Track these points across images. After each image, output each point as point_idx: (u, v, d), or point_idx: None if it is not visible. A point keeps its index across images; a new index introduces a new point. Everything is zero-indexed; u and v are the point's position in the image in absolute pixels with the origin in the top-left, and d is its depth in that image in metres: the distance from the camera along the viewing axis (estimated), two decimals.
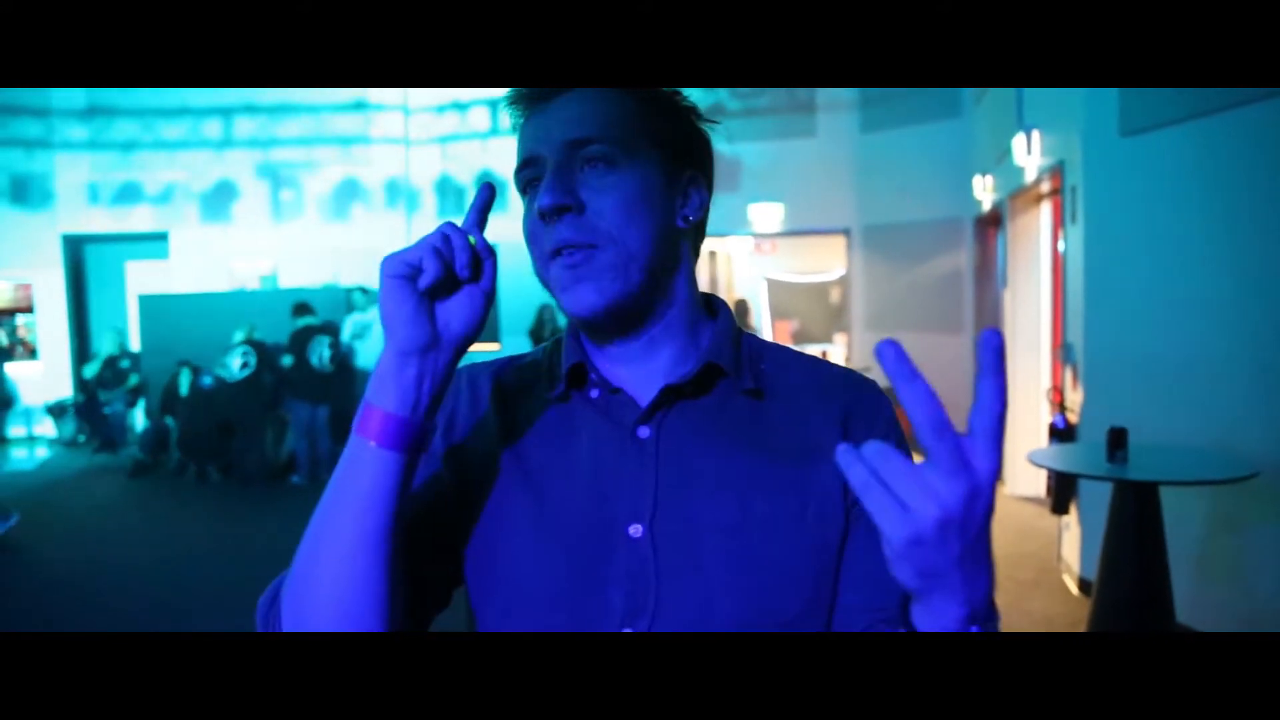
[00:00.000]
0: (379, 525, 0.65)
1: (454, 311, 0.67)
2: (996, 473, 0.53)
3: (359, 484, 0.65)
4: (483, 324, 0.68)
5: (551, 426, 0.77)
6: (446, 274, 0.65)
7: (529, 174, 0.74)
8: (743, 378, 0.77)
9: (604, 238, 0.71)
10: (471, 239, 0.67)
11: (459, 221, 0.68)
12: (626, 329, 0.76)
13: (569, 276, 0.72)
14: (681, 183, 0.77)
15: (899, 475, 0.52)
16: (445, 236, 0.65)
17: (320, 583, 0.65)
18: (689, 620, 0.70)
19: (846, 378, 0.80)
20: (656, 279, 0.74)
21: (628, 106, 0.73)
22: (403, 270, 0.64)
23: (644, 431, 0.74)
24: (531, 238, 0.74)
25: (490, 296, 0.68)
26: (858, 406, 0.77)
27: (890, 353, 0.51)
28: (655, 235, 0.73)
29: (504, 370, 0.83)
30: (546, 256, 0.73)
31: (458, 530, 0.76)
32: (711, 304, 0.82)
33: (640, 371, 0.77)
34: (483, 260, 0.67)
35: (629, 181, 0.72)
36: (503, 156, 9.73)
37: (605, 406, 0.76)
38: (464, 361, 0.73)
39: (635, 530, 0.72)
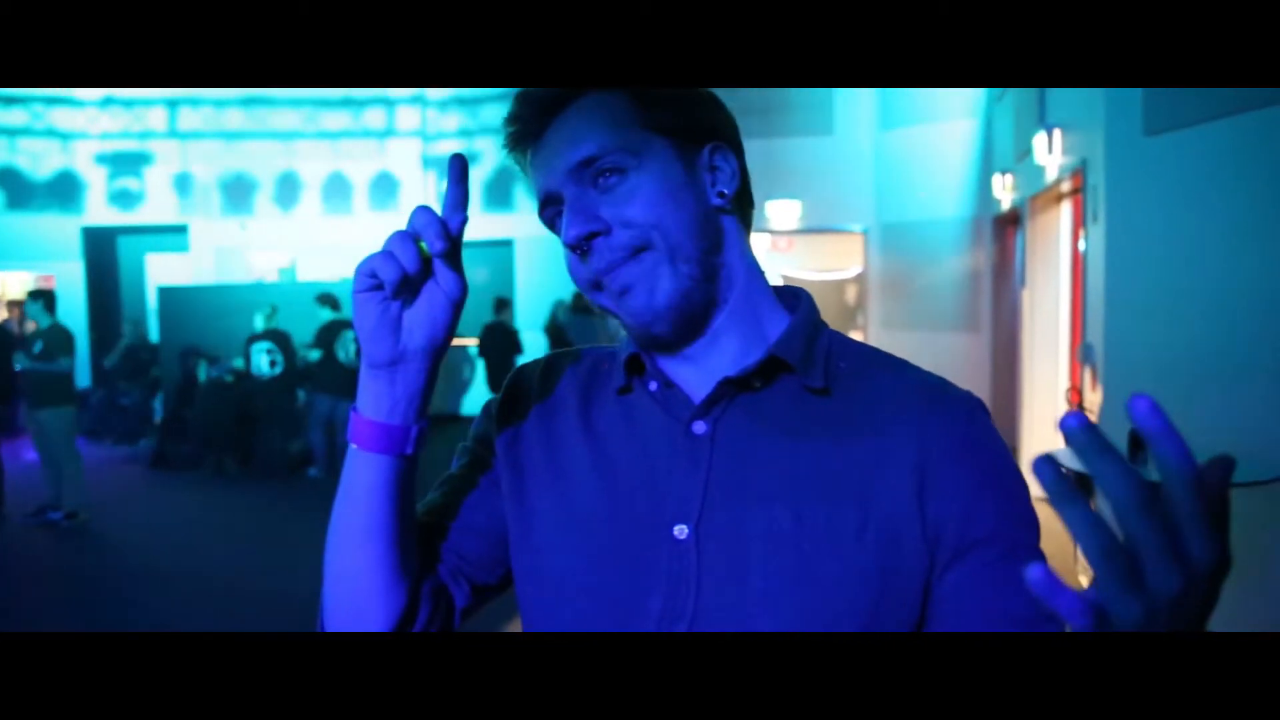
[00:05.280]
0: (380, 520, 0.70)
1: (418, 321, 0.66)
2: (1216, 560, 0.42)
3: (354, 484, 0.70)
4: (450, 330, 0.67)
5: (612, 420, 0.75)
6: (404, 280, 0.64)
7: (552, 212, 0.73)
8: (811, 374, 0.71)
9: (641, 241, 0.69)
10: (423, 245, 0.63)
11: (438, 207, 0.66)
12: (691, 329, 0.72)
13: (617, 292, 0.70)
14: (705, 160, 0.73)
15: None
16: (397, 239, 0.64)
17: (337, 577, 0.72)
18: (727, 631, 0.67)
19: (934, 387, 0.72)
20: (707, 266, 0.71)
21: (621, 106, 0.70)
22: (365, 284, 0.64)
23: (699, 427, 0.71)
24: (574, 276, 0.73)
25: (457, 302, 0.67)
26: (941, 420, 0.69)
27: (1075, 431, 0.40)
28: (692, 222, 0.70)
29: (584, 360, 0.81)
30: (591, 289, 0.72)
31: (505, 517, 0.77)
32: (794, 296, 0.78)
33: (700, 367, 0.73)
34: (436, 262, 0.65)
35: (648, 182, 0.69)
36: None
37: (663, 400, 0.73)
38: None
39: (680, 531, 0.68)
